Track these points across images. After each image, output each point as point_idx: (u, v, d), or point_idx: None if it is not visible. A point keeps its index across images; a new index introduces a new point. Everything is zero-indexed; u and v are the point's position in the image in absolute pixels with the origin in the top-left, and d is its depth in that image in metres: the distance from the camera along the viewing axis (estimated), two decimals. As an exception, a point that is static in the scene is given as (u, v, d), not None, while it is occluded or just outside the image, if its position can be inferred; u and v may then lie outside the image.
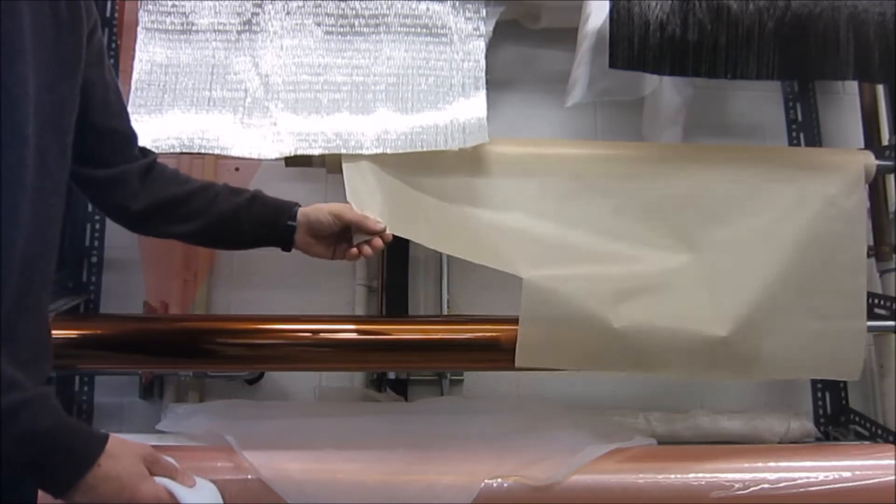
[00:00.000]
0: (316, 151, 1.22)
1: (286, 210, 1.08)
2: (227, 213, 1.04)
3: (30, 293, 0.77)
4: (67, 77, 0.82)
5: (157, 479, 0.78)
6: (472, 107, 1.26)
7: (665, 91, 1.49)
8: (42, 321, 0.83)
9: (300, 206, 1.09)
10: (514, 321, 1.19)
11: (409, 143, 1.23)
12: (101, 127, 0.93)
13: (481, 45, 1.32)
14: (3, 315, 0.72)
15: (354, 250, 1.09)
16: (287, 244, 1.08)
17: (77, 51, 0.84)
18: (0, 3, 0.69)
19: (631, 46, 1.20)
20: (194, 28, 1.30)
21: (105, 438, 0.74)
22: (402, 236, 1.15)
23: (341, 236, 1.10)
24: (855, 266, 1.28)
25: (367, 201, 1.14)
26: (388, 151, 1.21)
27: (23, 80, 0.73)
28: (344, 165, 1.21)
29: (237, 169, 1.58)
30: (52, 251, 0.82)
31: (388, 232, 1.09)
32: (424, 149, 1.22)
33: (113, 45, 1.51)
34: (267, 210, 1.07)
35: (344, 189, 1.17)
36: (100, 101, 0.92)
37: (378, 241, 1.09)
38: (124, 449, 0.75)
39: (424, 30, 1.32)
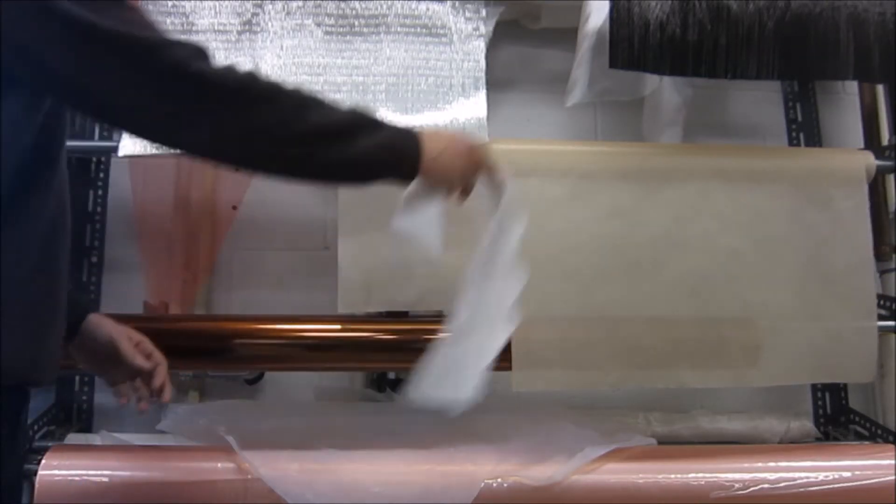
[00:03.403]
0: (316, 151, 1.22)
1: (79, 308, 0.94)
2: None
3: None
4: None
5: None
6: (472, 107, 1.27)
7: (665, 91, 1.49)
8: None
9: (95, 314, 0.96)
10: (514, 321, 1.20)
11: (409, 143, 1.22)
12: None
13: (481, 45, 1.32)
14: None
15: (144, 404, 0.97)
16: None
17: None
18: None
19: (631, 46, 1.20)
20: (194, 28, 1.30)
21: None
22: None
23: (118, 368, 0.96)
24: (860, 267, 1.28)
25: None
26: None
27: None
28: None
29: (237, 169, 1.57)
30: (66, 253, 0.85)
31: None
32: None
33: (113, 46, 1.51)
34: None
35: (342, 191, 1.16)
36: None
37: (158, 387, 0.96)
38: None
39: (424, 30, 1.32)
